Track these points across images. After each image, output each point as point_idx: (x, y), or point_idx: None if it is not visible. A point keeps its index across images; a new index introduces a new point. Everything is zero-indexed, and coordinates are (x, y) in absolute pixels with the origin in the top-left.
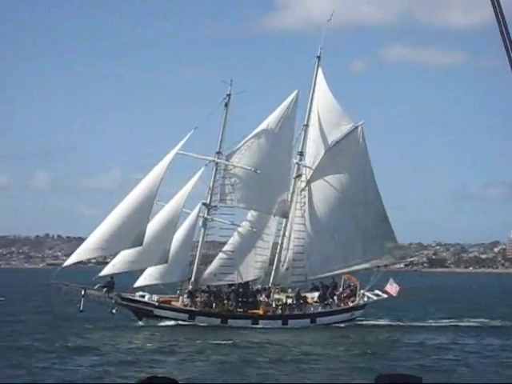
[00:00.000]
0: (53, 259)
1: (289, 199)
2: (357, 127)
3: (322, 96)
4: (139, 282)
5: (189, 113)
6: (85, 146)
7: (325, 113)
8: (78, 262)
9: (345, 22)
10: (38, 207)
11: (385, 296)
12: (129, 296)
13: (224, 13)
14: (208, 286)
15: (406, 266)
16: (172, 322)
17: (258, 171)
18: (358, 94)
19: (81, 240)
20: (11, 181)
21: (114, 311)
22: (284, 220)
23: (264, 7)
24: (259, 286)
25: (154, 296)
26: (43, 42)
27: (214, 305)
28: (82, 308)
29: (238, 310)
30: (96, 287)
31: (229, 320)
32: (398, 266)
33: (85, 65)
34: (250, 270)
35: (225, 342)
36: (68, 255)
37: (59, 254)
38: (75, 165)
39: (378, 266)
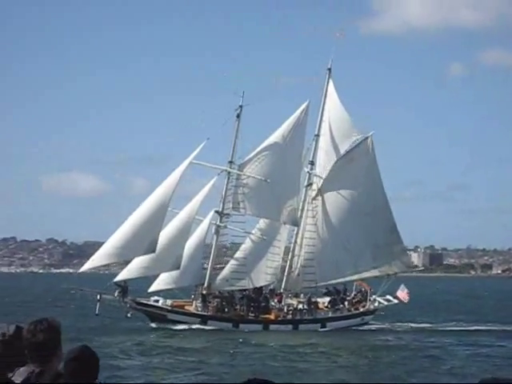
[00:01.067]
0: None
1: (299, 207)
2: (367, 138)
3: (333, 107)
4: (153, 287)
5: None
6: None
7: (335, 123)
8: (92, 268)
9: (442, 25)
10: None
11: (395, 301)
12: (143, 301)
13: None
14: (220, 292)
15: None
16: (184, 326)
17: (268, 180)
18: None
19: None
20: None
21: (129, 315)
22: (295, 227)
23: (359, 11)
24: (271, 287)
25: (167, 301)
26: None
27: (226, 310)
28: (97, 312)
29: (250, 314)
30: (116, 293)
31: (240, 324)
32: None
33: None
34: (262, 276)
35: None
36: None
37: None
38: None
39: (388, 274)
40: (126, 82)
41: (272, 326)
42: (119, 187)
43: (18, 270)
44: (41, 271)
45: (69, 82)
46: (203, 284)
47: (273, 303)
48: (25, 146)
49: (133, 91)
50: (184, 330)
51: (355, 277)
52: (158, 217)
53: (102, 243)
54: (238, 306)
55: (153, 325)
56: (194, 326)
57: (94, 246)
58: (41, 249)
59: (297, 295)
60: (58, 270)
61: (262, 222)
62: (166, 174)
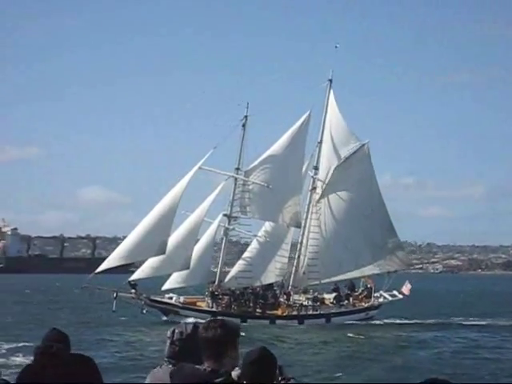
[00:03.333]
0: None
1: (305, 210)
2: (363, 145)
3: (334, 116)
4: (166, 286)
5: None
6: None
7: (335, 132)
8: (107, 269)
9: None
10: None
11: (400, 296)
12: (156, 298)
13: None
14: (229, 289)
15: None
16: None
17: (270, 186)
18: None
19: None
20: None
21: (144, 311)
22: (301, 229)
23: None
24: (280, 284)
25: (180, 297)
26: None
27: (234, 306)
28: (114, 308)
29: (257, 310)
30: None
31: (248, 320)
32: None
33: None
34: (269, 275)
35: None
36: None
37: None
38: None
39: (388, 272)
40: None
41: (278, 322)
42: None
43: None
44: None
45: None
46: (214, 282)
47: (282, 299)
48: None
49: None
50: None
51: (357, 274)
52: (167, 220)
53: None
54: (246, 303)
55: (164, 318)
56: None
57: None
58: None
59: (305, 292)
60: None
61: (268, 225)
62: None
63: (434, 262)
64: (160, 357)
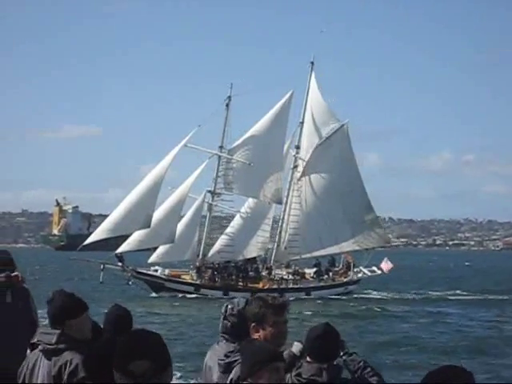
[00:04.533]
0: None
1: (287, 187)
2: (343, 125)
3: (315, 97)
4: (152, 259)
5: None
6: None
7: (316, 112)
8: (94, 242)
9: None
10: (369, 189)
11: (379, 272)
12: (143, 270)
13: None
14: (213, 263)
15: None
16: (180, 294)
17: (252, 164)
18: None
19: (412, 222)
20: None
21: (130, 283)
22: (283, 205)
23: None
24: (262, 258)
25: (166, 270)
26: None
27: (217, 279)
28: (101, 280)
29: (239, 283)
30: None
31: (230, 292)
32: None
33: None
34: (250, 249)
35: None
36: (399, 237)
37: (390, 236)
38: (403, 146)
39: (367, 249)
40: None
41: (259, 294)
42: None
43: None
44: None
45: None
46: (198, 255)
47: (264, 273)
48: None
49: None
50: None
51: (337, 250)
52: (152, 195)
53: None
54: (228, 276)
55: (153, 294)
56: (188, 296)
57: None
58: None
59: (288, 266)
60: None
61: (251, 201)
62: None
63: (494, 239)
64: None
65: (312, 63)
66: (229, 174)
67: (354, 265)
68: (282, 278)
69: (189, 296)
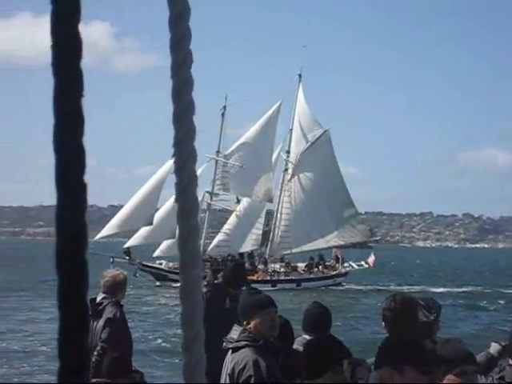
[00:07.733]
0: None
1: (278, 188)
2: (325, 131)
3: (302, 106)
4: (156, 253)
5: None
6: None
7: (302, 120)
8: (103, 237)
9: None
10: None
11: (366, 266)
12: (148, 263)
13: None
14: (211, 257)
15: None
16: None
17: (244, 166)
18: None
19: None
20: None
21: (137, 275)
22: (275, 205)
23: None
24: (260, 251)
25: (170, 263)
26: None
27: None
28: None
29: None
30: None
31: None
32: None
33: None
34: (245, 244)
35: None
36: None
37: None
38: None
39: (352, 243)
40: None
41: (254, 285)
42: None
43: (433, 245)
44: (455, 246)
45: None
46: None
47: (260, 266)
48: None
49: None
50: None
51: (323, 244)
52: (154, 195)
53: None
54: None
55: (157, 283)
56: None
57: (509, 221)
58: (457, 224)
59: (282, 261)
60: (472, 245)
61: (245, 201)
62: None
63: None
64: None
65: (300, 75)
66: (225, 176)
67: (342, 259)
68: (274, 271)
69: None
